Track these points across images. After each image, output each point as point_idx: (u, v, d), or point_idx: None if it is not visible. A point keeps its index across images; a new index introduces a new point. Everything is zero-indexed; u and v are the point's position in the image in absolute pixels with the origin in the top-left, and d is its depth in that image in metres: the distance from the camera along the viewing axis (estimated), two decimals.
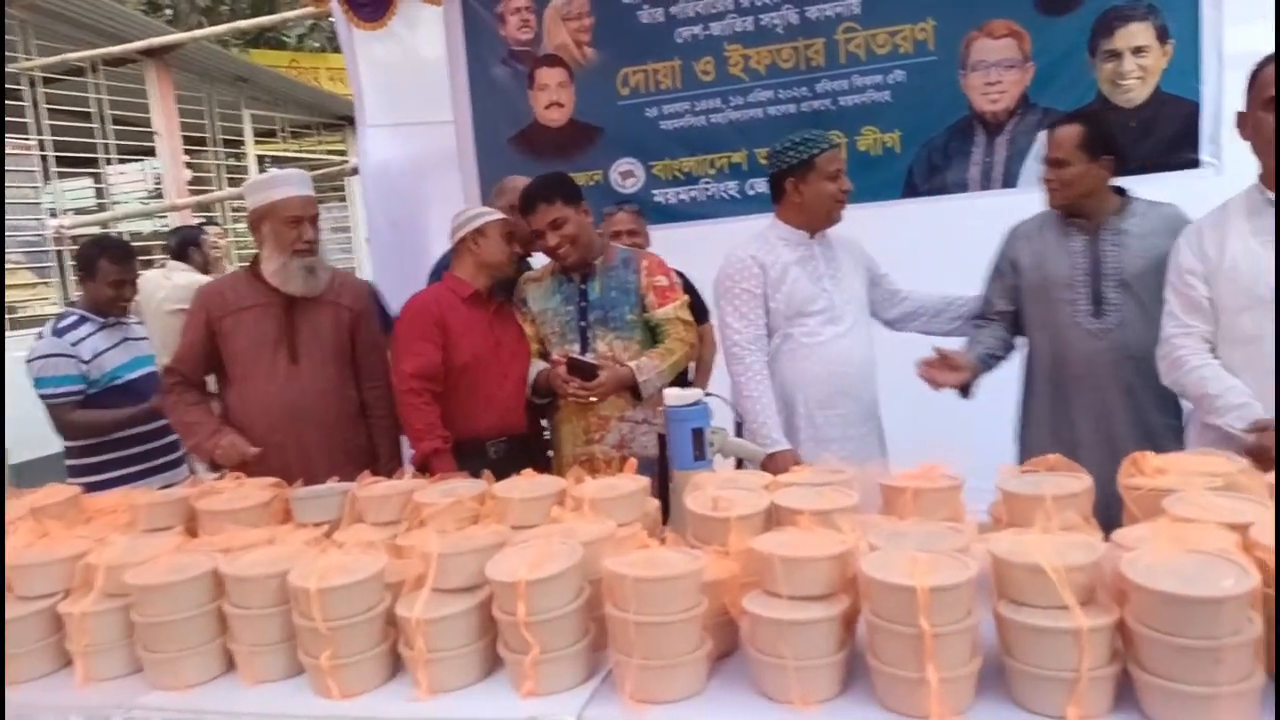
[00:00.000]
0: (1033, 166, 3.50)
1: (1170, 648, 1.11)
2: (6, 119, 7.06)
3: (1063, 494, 1.50)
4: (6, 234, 6.96)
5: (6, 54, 7.00)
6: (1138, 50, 3.36)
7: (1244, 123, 2.14)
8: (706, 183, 3.93)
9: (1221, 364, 2.12)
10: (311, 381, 2.67)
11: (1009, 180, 3.56)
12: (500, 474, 1.89)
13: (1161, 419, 2.44)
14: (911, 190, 3.72)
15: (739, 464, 2.08)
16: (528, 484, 1.83)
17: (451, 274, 2.79)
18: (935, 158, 3.66)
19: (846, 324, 2.61)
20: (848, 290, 2.65)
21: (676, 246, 3.46)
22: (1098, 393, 2.48)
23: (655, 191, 3.99)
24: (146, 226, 10.52)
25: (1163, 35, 3.34)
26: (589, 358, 2.65)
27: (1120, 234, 2.48)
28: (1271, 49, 2.10)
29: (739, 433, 2.49)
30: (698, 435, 1.93)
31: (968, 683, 1.21)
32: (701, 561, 1.36)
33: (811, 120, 3.77)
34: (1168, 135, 3.36)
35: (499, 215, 2.79)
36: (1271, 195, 2.09)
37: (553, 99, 4.01)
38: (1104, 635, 1.16)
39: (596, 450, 2.67)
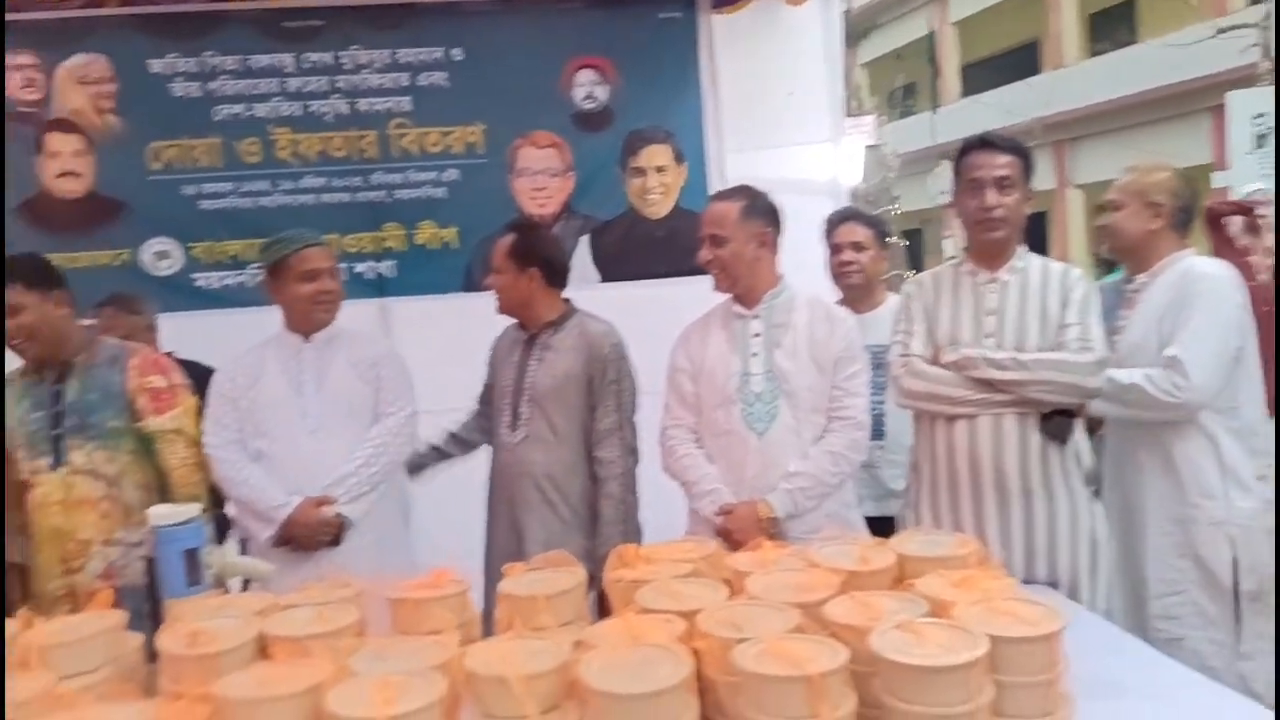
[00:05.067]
0: (579, 269, 3.78)
1: None
2: None
3: (554, 592, 1.55)
4: None
5: None
6: (659, 169, 3.81)
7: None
8: (256, 268, 3.68)
9: (705, 453, 2.37)
10: None
11: None
12: None
13: (571, 537, 2.42)
14: (471, 285, 3.81)
15: (245, 585, 1.89)
16: None
17: None
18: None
19: (326, 432, 2.48)
20: (334, 395, 2.51)
21: (220, 336, 3.18)
22: (510, 506, 2.55)
23: (196, 275, 3.67)
24: None
25: (679, 157, 3.82)
26: (63, 473, 2.29)
27: (546, 349, 2.56)
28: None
29: (244, 549, 2.31)
30: (191, 557, 1.73)
31: None
32: (145, 716, 1.18)
33: (368, 211, 3.74)
34: (686, 245, 3.76)
35: None
36: (740, 310, 2.41)
37: (66, 168, 3.54)
38: None
39: (77, 581, 2.27)
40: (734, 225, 2.34)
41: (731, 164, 3.77)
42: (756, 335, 2.35)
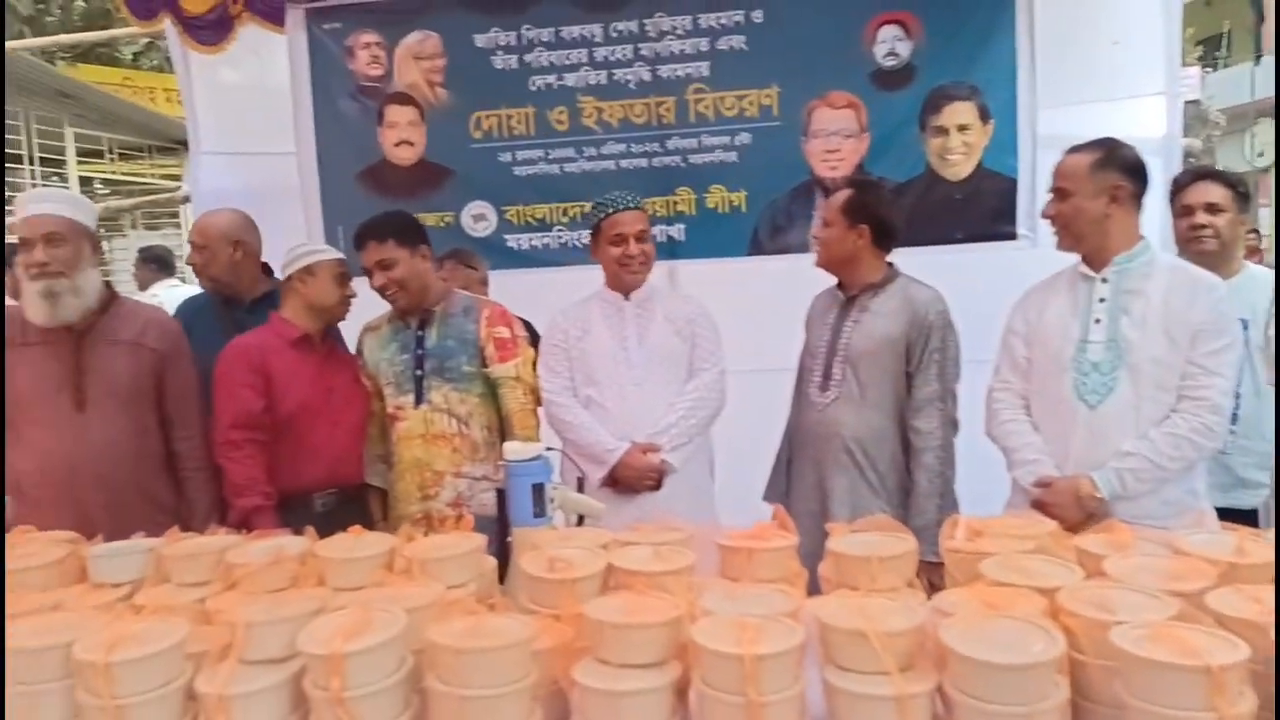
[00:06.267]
0: None
1: (985, 714, 1.13)
2: None
3: (888, 555, 1.54)
4: None
5: None
6: (962, 128, 3.60)
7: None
8: (560, 230, 3.92)
9: (1031, 421, 2.26)
10: (101, 431, 2.40)
11: None
12: (329, 529, 1.78)
13: (875, 502, 2.41)
14: (757, 248, 3.83)
15: (580, 520, 2.04)
16: (353, 543, 1.72)
17: (278, 315, 2.64)
18: (779, 218, 3.78)
19: (648, 384, 2.63)
20: (654, 350, 2.65)
21: (529, 292, 3.44)
22: (815, 465, 2.54)
23: (507, 236, 3.96)
24: None
25: (984, 115, 3.60)
26: (424, 410, 2.58)
27: (864, 311, 2.52)
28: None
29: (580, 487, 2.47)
30: (538, 491, 1.88)
31: None
32: (530, 629, 1.31)
33: (662, 176, 3.85)
34: (989, 209, 3.61)
35: (332, 254, 2.68)
36: (1087, 271, 2.25)
37: (402, 137, 3.92)
38: (923, 701, 1.18)
39: (432, 507, 2.57)
40: (1081, 178, 2.18)
41: (1045, 120, 3.49)
42: (1102, 300, 2.19)
